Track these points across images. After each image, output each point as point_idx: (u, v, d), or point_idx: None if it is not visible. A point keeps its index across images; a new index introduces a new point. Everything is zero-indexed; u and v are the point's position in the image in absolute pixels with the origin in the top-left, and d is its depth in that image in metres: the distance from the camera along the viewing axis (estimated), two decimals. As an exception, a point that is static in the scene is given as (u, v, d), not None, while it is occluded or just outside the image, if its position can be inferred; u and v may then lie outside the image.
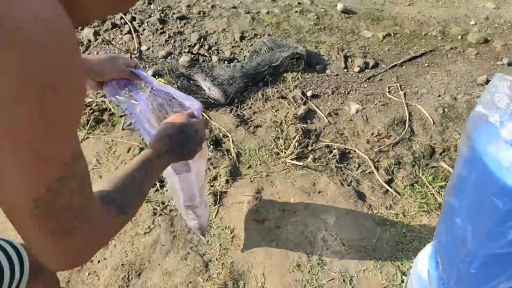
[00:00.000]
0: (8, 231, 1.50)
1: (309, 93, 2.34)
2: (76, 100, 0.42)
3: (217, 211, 1.65)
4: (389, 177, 1.88)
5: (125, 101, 1.01)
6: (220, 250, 1.52)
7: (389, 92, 2.39)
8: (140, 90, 1.06)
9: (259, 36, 2.73)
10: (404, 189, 1.83)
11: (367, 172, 1.90)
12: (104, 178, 0.69)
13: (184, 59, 2.50)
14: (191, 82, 2.37)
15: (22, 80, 0.35)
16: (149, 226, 1.60)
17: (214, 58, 2.55)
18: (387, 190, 1.82)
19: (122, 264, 1.46)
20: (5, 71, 0.34)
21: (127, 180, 0.65)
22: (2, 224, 1.56)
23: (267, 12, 3.02)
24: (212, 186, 1.76)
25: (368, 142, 2.07)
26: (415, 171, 1.92)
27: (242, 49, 2.64)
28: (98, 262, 1.47)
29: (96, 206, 0.52)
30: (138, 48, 2.61)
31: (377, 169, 1.92)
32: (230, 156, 1.93)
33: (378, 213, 1.71)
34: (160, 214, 1.64)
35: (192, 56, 2.55)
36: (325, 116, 2.20)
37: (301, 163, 1.89)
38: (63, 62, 0.38)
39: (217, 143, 2.01)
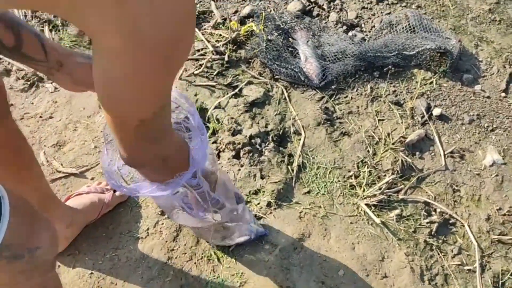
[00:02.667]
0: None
1: (436, 111, 1.65)
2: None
3: (233, 246, 1.21)
4: (496, 292, 1.26)
5: None
6: (213, 307, 1.11)
7: (555, 152, 1.61)
8: None
9: (404, 4, 1.98)
10: (510, 320, 1.21)
11: (465, 268, 1.29)
12: None
13: (296, 5, 1.91)
14: (289, 40, 1.80)
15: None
16: (147, 229, 1.22)
17: (333, 16, 1.91)
18: (484, 312, 1.21)
19: (91, 273, 1.13)
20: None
21: None
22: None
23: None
24: (248, 202, 1.31)
25: (488, 219, 1.41)
26: (540, 298, 1.26)
27: (374, 14, 1.94)
28: (69, 255, 1.16)
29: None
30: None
31: (483, 270, 1.30)
32: (290, 167, 1.42)
33: None
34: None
35: (307, 3, 1.93)
36: (444, 155, 1.54)
37: (378, 217, 1.33)
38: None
39: (282, 139, 1.50)
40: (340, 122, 1.59)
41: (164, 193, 0.69)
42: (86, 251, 1.16)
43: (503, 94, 1.76)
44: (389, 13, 1.93)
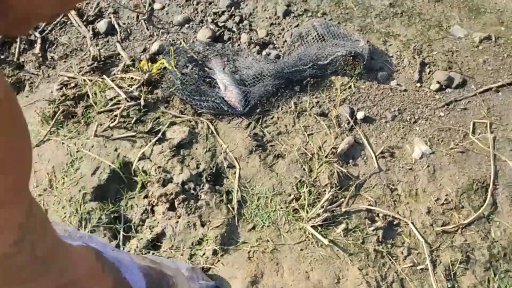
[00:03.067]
0: None
1: (360, 114, 1.68)
2: None
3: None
4: (449, 285, 1.29)
5: None
6: None
7: (473, 131, 1.70)
8: None
9: (309, 14, 2.01)
10: (467, 308, 1.25)
11: (418, 268, 1.31)
12: None
13: (204, 33, 1.86)
14: (205, 71, 1.75)
15: None
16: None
17: (244, 37, 1.89)
18: (443, 308, 1.24)
19: None
20: None
21: None
22: None
23: (329, -25, 2.25)
24: (192, 255, 1.24)
25: (429, 211, 1.45)
26: (487, 279, 1.32)
27: (283, 29, 1.95)
28: None
29: None
30: (150, 4, 1.97)
31: (434, 266, 1.33)
32: (230, 205, 1.37)
33: None
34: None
35: (216, 29, 1.90)
36: (376, 157, 1.57)
37: (326, 237, 1.32)
38: None
39: (216, 178, 1.45)
40: (271, 145, 1.57)
41: None
42: None
43: (418, 85, 1.84)
44: (297, 26, 1.95)
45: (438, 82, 1.82)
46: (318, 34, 1.83)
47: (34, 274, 0.47)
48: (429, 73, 1.87)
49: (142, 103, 1.59)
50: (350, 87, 1.77)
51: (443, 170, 1.56)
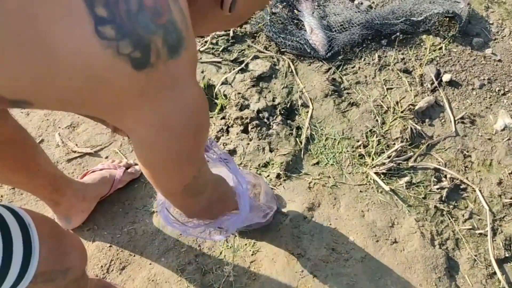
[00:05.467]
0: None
1: (446, 77, 1.63)
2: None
3: (247, 218, 1.24)
4: (507, 254, 1.26)
5: None
6: (228, 276, 1.15)
7: None
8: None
9: (411, -31, 1.92)
10: (522, 280, 1.22)
11: (477, 232, 1.30)
12: None
13: (299, -25, 1.87)
14: (294, 12, 1.78)
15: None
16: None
17: (338, -15, 1.87)
18: (494, 274, 1.22)
19: (110, 246, 1.18)
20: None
21: None
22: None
23: None
24: (258, 174, 1.33)
25: (500, 183, 1.40)
26: (552, 258, 1.26)
27: (380, -19, 1.90)
28: (88, 230, 1.21)
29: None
30: None
31: (494, 234, 1.30)
32: (298, 139, 1.43)
33: (465, 304, 1.17)
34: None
35: (311, -27, 1.89)
36: (455, 121, 1.53)
37: (387, 185, 1.34)
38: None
39: (289, 113, 1.51)
40: (347, 93, 1.59)
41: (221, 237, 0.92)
42: (104, 226, 1.21)
43: (515, 57, 1.72)
44: (396, -21, 1.88)
45: (540, 57, 1.69)
46: (416, -11, 1.76)
47: (206, 188, 0.70)
48: (531, 46, 1.74)
49: (231, 34, 1.67)
50: (440, 48, 1.71)
51: (525, 146, 1.48)
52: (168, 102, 0.45)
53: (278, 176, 1.32)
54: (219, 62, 1.60)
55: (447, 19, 1.75)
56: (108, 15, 0.36)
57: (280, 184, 1.32)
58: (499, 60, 1.71)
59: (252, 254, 1.18)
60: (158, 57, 0.40)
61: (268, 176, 1.33)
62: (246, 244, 1.21)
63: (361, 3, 1.80)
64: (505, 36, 1.77)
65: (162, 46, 0.40)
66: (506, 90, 1.63)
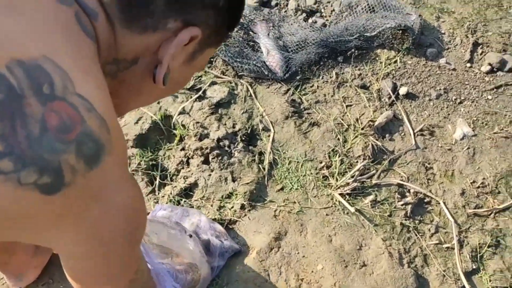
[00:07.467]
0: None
1: (402, 90, 1.65)
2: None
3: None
4: (474, 266, 1.27)
5: None
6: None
7: (523, 117, 1.62)
8: None
9: (362, -16, 1.95)
10: (490, 292, 1.23)
11: (444, 246, 1.30)
12: None
13: (253, -4, 1.87)
14: (249, 34, 1.77)
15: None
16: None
17: (292, 4, 1.87)
18: None
19: None
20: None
21: None
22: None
23: None
24: (221, 207, 1.29)
25: (463, 193, 1.42)
26: (518, 265, 1.28)
27: (333, -2, 1.91)
28: (43, 284, 1.14)
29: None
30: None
31: (461, 246, 1.31)
32: (261, 165, 1.41)
33: (437, 321, 1.17)
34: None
35: (265, -6, 1.90)
36: (414, 134, 1.54)
37: (353, 206, 1.33)
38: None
39: (251, 138, 1.49)
40: (308, 113, 1.58)
41: None
42: (59, 279, 1.14)
43: (468, 65, 1.76)
44: (348, -5, 1.90)
45: (490, 64, 1.74)
46: (368, 4, 1.78)
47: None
48: (481, 54, 1.78)
49: (186, 61, 1.64)
50: (395, 61, 1.73)
51: (483, 154, 1.51)
52: (94, 215, 0.42)
53: (243, 207, 1.29)
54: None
55: (400, 31, 1.78)
56: (4, 149, 0.33)
57: (245, 215, 1.29)
58: (453, 69, 1.74)
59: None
60: (74, 173, 0.37)
61: (232, 207, 1.30)
62: (212, 281, 1.17)
63: (315, 22, 1.81)
64: (457, 45, 1.81)
65: (77, 161, 0.37)
66: (462, 98, 1.67)
